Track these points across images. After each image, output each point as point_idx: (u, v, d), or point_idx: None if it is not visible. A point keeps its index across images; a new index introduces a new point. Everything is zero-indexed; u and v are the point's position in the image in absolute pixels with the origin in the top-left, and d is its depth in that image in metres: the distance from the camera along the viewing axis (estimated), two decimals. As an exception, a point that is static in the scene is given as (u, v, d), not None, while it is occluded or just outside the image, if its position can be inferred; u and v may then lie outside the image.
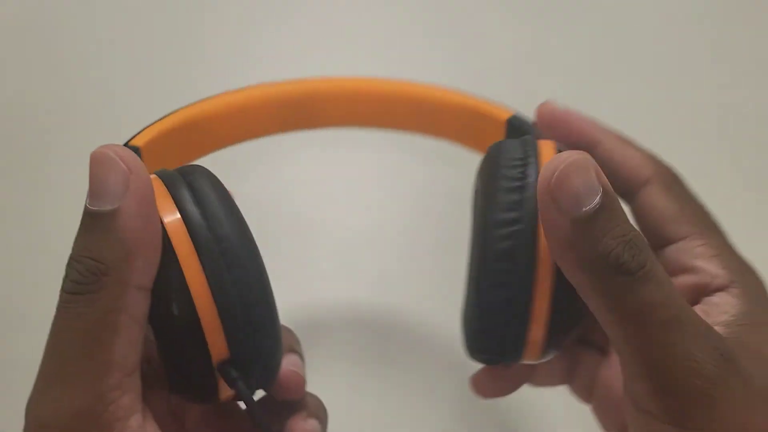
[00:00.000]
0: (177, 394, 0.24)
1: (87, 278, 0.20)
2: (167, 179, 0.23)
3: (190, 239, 0.22)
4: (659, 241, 0.25)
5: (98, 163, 0.20)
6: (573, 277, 0.21)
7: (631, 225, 0.21)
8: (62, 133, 0.52)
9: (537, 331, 0.24)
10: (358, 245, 0.45)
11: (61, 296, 0.21)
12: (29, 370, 0.23)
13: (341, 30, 0.56)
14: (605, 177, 0.21)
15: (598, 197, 0.20)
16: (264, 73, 0.35)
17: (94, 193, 0.20)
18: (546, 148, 0.24)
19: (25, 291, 0.45)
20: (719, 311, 0.23)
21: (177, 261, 0.21)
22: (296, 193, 0.47)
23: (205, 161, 0.29)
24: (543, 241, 0.22)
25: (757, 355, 0.22)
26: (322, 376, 0.32)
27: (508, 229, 0.23)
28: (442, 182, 0.48)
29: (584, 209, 0.20)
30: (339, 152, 0.48)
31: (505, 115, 0.28)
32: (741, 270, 0.24)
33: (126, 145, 0.26)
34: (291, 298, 0.43)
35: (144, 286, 0.21)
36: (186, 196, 0.22)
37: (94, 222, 0.20)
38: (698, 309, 0.24)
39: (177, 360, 0.23)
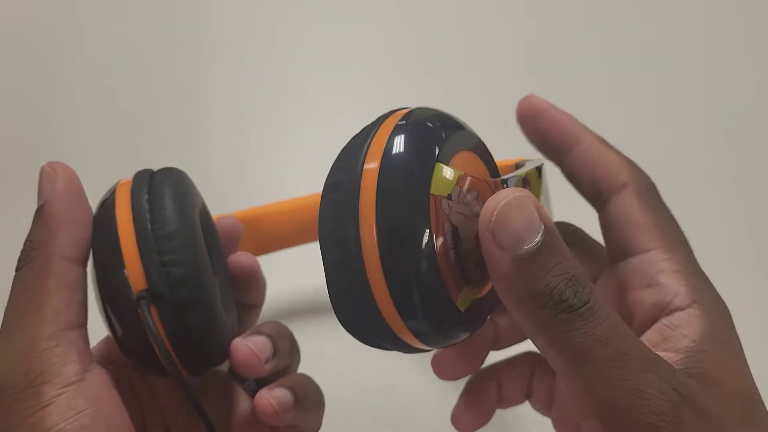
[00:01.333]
0: (129, 360, 0.28)
1: (23, 255, 0.25)
2: (136, 178, 0.28)
3: (132, 223, 0.26)
4: (625, 249, 0.25)
5: (40, 175, 0.26)
6: (515, 313, 0.21)
7: (575, 262, 0.21)
8: (66, 134, 0.52)
9: (383, 302, 0.22)
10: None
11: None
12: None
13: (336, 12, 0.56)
14: (546, 214, 0.21)
15: (540, 235, 0.20)
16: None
17: (37, 196, 0.26)
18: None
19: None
20: (679, 334, 0.22)
21: (117, 239, 0.26)
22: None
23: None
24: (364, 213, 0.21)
25: (716, 382, 0.21)
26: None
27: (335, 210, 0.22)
28: None
29: (525, 247, 0.20)
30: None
31: None
32: (703, 288, 0.24)
33: None
34: (295, 298, 0.43)
35: (70, 256, 0.26)
36: (142, 192, 0.27)
37: (35, 216, 0.26)
38: (657, 328, 0.23)
39: (118, 327, 0.27)
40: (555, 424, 0.30)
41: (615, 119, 0.50)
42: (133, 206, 0.27)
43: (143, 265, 0.26)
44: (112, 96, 0.54)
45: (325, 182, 0.23)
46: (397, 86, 0.54)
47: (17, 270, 0.25)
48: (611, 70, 0.54)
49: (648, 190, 0.25)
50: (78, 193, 0.27)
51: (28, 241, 0.25)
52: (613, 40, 0.56)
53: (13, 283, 0.25)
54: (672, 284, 0.23)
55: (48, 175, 0.26)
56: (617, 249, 0.25)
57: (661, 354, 0.22)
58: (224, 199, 0.36)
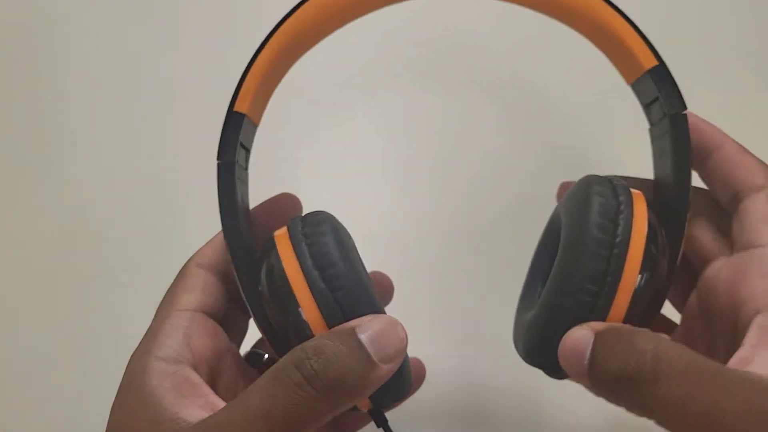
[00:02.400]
0: None
1: (326, 377, 0.23)
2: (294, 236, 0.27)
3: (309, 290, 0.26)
4: (750, 241, 0.26)
5: (390, 324, 0.25)
6: (618, 404, 0.24)
7: (625, 330, 0.24)
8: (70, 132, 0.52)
9: None
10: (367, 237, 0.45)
11: (287, 368, 0.23)
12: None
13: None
14: (598, 322, 0.24)
15: (589, 346, 0.23)
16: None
17: (375, 340, 0.24)
18: (638, 203, 0.27)
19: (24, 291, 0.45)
20: None
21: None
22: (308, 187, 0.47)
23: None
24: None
25: None
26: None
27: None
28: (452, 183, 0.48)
29: (585, 363, 0.23)
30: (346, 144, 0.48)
31: (647, 64, 0.29)
32: None
33: (231, 112, 0.30)
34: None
35: None
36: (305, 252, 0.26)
37: (359, 350, 0.24)
38: (763, 321, 0.25)
39: None
40: None
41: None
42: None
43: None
44: (111, 96, 0.53)
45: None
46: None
47: (308, 379, 0.23)
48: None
49: None
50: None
51: (340, 376, 0.23)
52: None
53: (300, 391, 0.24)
54: None
55: (397, 340, 0.25)
56: (743, 240, 0.26)
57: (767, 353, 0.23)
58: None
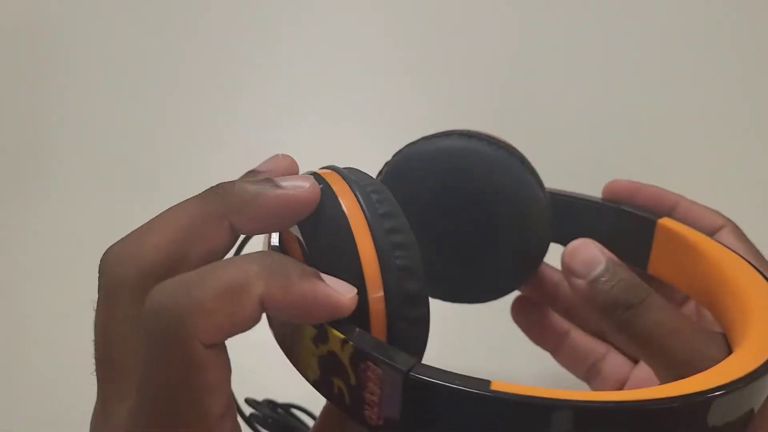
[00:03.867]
0: None
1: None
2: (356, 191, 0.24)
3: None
4: None
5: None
6: (599, 319, 0.28)
7: (632, 276, 0.28)
8: (68, 134, 0.52)
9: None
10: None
11: None
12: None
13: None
14: (605, 250, 0.29)
15: (602, 264, 0.28)
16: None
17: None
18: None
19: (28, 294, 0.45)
20: None
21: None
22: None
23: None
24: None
25: None
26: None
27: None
28: None
29: (593, 273, 0.28)
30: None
31: None
32: None
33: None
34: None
35: None
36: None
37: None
38: None
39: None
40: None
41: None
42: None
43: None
44: (110, 97, 0.54)
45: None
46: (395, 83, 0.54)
47: None
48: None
49: (738, 230, 0.33)
50: None
51: None
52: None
53: None
54: None
55: None
56: None
57: None
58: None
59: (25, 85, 0.54)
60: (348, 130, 0.52)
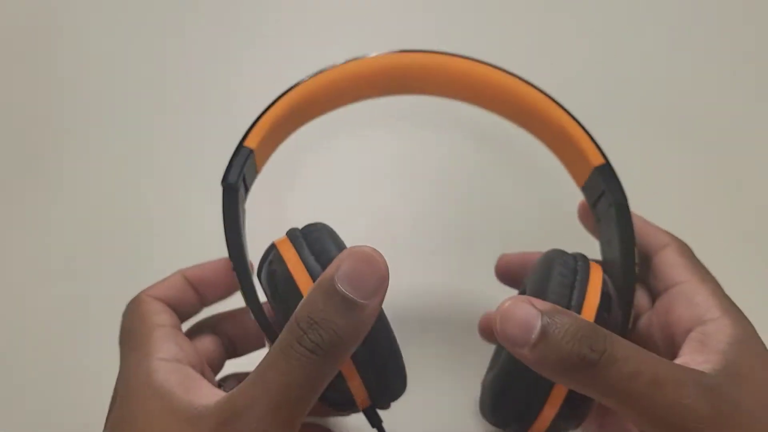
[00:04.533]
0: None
1: (325, 344, 0.25)
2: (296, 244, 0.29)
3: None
4: (669, 282, 0.31)
5: (363, 260, 0.25)
6: (559, 381, 0.26)
7: (582, 320, 0.25)
8: (72, 134, 0.52)
9: (549, 411, 0.28)
10: (371, 228, 0.46)
11: (292, 344, 0.25)
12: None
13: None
14: (539, 300, 0.25)
15: (539, 321, 0.24)
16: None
17: (352, 281, 0.25)
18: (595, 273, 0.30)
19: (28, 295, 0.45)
20: (715, 339, 0.27)
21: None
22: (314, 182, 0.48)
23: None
24: None
25: (746, 378, 0.26)
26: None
27: None
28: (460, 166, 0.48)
29: (533, 336, 0.24)
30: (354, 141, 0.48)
31: (595, 162, 0.33)
32: (730, 305, 0.29)
33: (241, 145, 0.32)
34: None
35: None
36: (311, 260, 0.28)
37: (341, 303, 0.25)
38: (695, 336, 0.28)
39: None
40: None
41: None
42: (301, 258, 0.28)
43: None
44: (111, 97, 0.54)
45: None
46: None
47: (312, 351, 0.25)
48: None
49: (685, 248, 0.32)
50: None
51: (335, 334, 0.25)
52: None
53: (304, 359, 0.25)
54: (705, 302, 0.29)
55: (377, 272, 0.25)
56: (662, 286, 0.32)
57: (701, 357, 0.27)
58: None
59: (25, 86, 0.54)
60: (348, 131, 0.52)
